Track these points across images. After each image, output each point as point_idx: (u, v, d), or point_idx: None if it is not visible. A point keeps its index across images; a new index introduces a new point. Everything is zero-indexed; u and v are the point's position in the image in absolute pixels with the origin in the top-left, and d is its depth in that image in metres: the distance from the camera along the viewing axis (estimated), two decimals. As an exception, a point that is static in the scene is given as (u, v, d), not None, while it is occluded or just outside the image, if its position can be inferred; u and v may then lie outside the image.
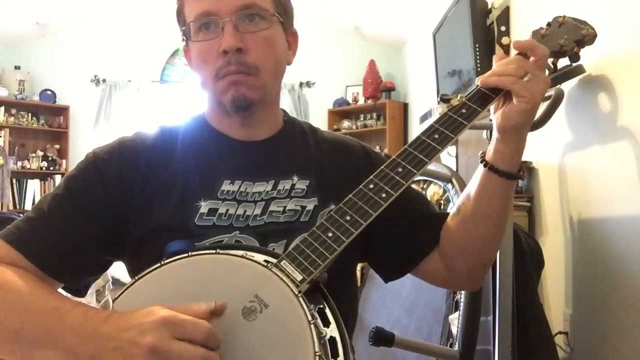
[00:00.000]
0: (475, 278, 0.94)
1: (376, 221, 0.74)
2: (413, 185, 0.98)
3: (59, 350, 0.66)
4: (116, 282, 3.72)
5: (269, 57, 0.84)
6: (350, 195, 0.75)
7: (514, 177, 0.81)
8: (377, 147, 4.76)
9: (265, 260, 0.70)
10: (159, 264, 0.71)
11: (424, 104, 4.29)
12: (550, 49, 0.85)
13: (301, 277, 0.68)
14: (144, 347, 0.59)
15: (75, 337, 0.65)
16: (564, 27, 0.87)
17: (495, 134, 0.81)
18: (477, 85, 0.83)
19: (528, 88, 0.77)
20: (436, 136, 0.79)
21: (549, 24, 0.89)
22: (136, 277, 0.71)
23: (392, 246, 0.92)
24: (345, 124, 5.52)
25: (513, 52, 0.84)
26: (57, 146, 5.66)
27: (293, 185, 0.87)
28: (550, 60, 0.89)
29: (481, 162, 0.83)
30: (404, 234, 0.91)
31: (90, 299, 3.17)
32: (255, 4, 0.83)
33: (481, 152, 0.85)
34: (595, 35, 0.86)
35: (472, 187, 0.85)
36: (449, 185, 1.56)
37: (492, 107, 0.83)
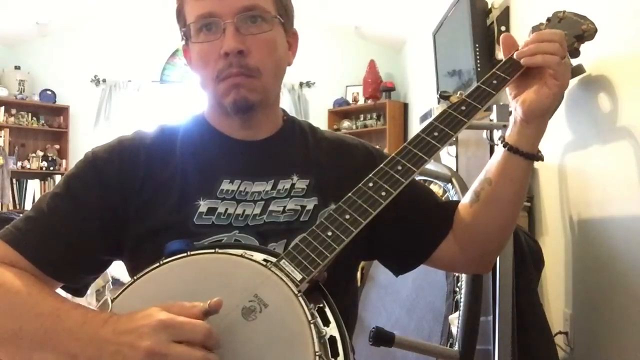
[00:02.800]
0: (488, 262, 0.97)
1: (383, 217, 0.74)
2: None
3: (57, 352, 0.66)
4: (116, 282, 3.72)
5: (271, 59, 0.84)
6: (349, 194, 0.75)
7: (535, 158, 0.83)
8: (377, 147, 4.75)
9: (265, 260, 0.70)
10: (158, 264, 0.71)
11: (424, 104, 4.29)
12: None
13: (301, 277, 0.68)
14: (143, 350, 0.59)
15: (73, 340, 0.65)
16: (564, 22, 0.87)
17: (520, 117, 0.82)
18: (478, 83, 0.83)
19: (565, 72, 0.79)
20: (436, 134, 0.79)
21: (548, 20, 0.89)
22: (135, 277, 0.71)
23: (403, 240, 0.92)
24: (345, 124, 5.51)
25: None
26: (57, 146, 5.66)
27: (293, 185, 0.87)
28: None
29: (503, 145, 0.84)
30: (413, 227, 0.92)
31: (90, 299, 3.17)
32: (256, 6, 0.82)
33: (500, 135, 0.86)
34: (595, 30, 0.86)
35: (491, 171, 0.86)
36: (449, 185, 1.56)
37: (509, 94, 0.84)
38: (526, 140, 0.82)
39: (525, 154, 0.82)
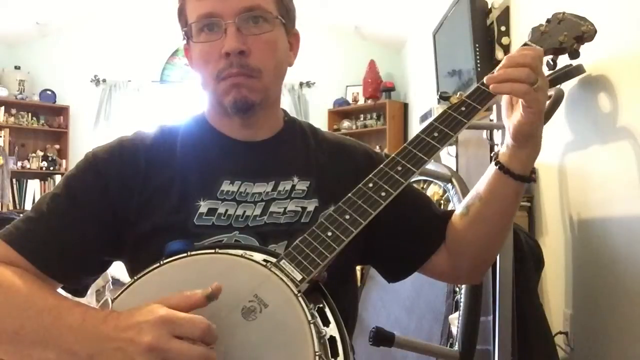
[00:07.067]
0: (478, 274, 0.98)
1: (378, 223, 0.74)
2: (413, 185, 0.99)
3: (57, 350, 0.66)
4: (116, 282, 3.71)
5: (271, 59, 0.84)
6: (349, 194, 0.75)
7: (527, 180, 0.82)
8: (377, 147, 4.76)
9: (265, 260, 0.70)
10: (158, 264, 0.71)
11: (424, 104, 4.29)
12: (550, 45, 0.85)
13: (301, 277, 0.68)
14: (143, 346, 0.59)
15: (74, 337, 0.65)
16: (564, 23, 0.87)
17: (509, 139, 0.81)
18: (477, 84, 0.82)
19: (537, 99, 0.75)
20: (436, 134, 0.79)
21: (548, 21, 0.89)
22: (135, 277, 0.71)
23: (396, 248, 0.92)
24: (345, 124, 5.51)
25: (513, 50, 0.83)
26: (57, 146, 5.66)
27: (293, 186, 0.87)
28: (550, 58, 0.89)
29: (495, 164, 0.83)
30: (407, 236, 0.91)
31: (90, 299, 3.17)
32: (258, 6, 0.82)
33: (494, 152, 0.85)
34: (595, 32, 0.86)
35: (482, 187, 0.85)
36: (449, 185, 1.56)
37: (504, 110, 0.83)
38: (518, 161, 0.81)
39: (516, 176, 0.81)
